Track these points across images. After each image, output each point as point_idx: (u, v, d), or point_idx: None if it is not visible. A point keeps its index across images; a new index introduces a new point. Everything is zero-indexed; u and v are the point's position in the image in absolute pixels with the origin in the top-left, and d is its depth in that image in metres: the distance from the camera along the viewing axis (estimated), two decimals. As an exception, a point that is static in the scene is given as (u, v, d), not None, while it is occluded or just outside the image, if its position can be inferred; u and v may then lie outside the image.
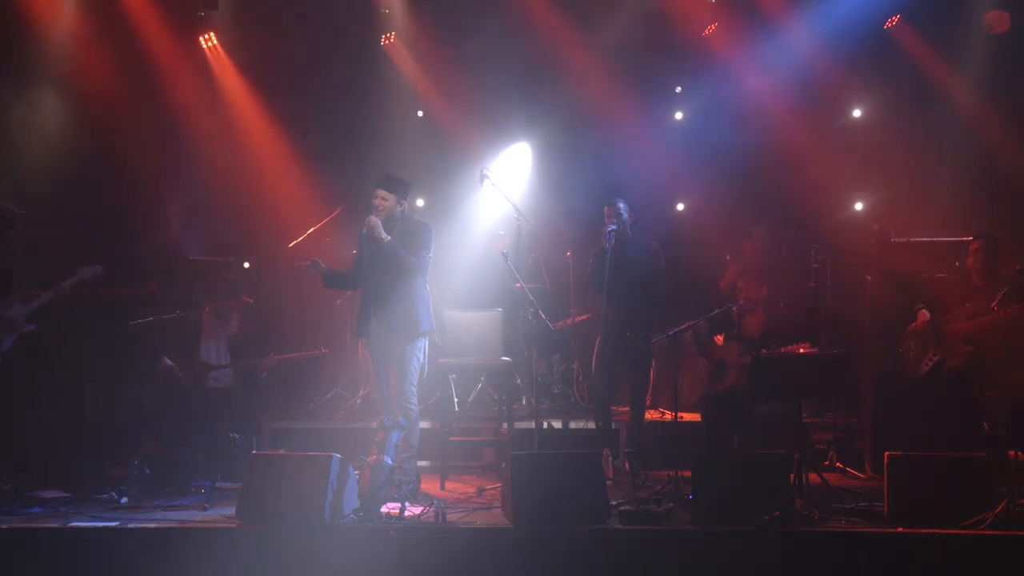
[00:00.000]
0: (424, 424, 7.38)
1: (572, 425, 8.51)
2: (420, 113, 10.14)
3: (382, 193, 7.04)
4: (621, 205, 8.05)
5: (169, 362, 7.71)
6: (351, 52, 9.80)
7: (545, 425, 8.18)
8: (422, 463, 7.27)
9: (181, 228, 9.41)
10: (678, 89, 10.29)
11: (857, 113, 10.03)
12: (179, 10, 9.33)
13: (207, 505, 6.59)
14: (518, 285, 7.57)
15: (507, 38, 9.71)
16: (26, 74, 8.67)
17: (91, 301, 8.32)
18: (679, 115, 10.37)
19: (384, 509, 6.24)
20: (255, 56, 9.64)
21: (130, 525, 6.21)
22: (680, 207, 10.34)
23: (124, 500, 6.79)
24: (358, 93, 9.83)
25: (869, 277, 8.24)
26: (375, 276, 6.96)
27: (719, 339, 7.55)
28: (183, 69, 9.45)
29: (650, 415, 8.49)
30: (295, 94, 9.78)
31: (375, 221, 6.92)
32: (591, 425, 8.26)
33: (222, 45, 9.61)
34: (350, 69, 9.81)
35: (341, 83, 9.80)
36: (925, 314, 7.31)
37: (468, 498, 7.05)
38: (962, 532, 5.95)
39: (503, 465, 6.70)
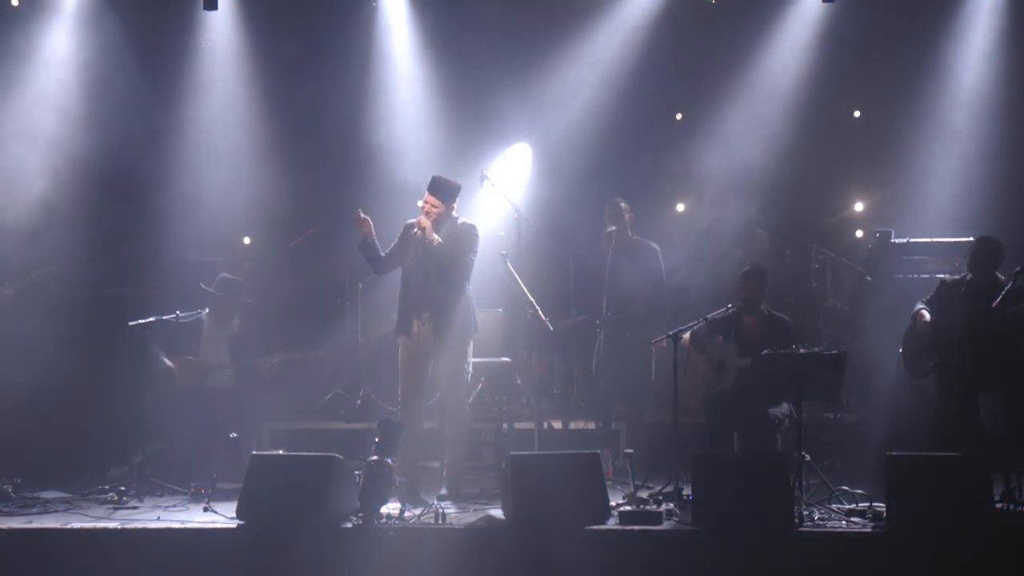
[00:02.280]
0: (426, 424, 7.37)
1: (572, 425, 8.50)
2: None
3: (431, 200, 6.85)
4: (621, 205, 8.05)
5: (169, 362, 7.71)
6: (351, 52, 9.79)
7: (545, 425, 8.17)
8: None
9: (179, 228, 9.39)
10: (679, 116, 10.28)
11: (857, 113, 10.03)
12: (179, 9, 9.33)
13: (207, 505, 6.59)
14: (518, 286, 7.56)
15: (507, 37, 9.70)
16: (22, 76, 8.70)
17: (91, 301, 8.35)
18: (679, 116, 10.37)
19: (384, 509, 6.24)
20: (255, 56, 9.63)
21: (130, 525, 6.22)
22: (680, 207, 10.33)
23: (124, 500, 6.79)
24: (358, 93, 9.82)
25: (869, 277, 8.23)
26: (424, 279, 6.85)
27: (719, 339, 7.54)
28: (182, 68, 9.45)
29: (650, 415, 8.49)
30: (294, 94, 9.77)
31: (427, 223, 6.80)
32: (591, 425, 8.26)
33: (222, 45, 9.59)
34: (350, 69, 9.80)
35: (341, 83, 9.79)
36: (925, 314, 7.30)
37: (468, 498, 7.04)
38: (962, 532, 5.94)
39: (503, 465, 6.69)
